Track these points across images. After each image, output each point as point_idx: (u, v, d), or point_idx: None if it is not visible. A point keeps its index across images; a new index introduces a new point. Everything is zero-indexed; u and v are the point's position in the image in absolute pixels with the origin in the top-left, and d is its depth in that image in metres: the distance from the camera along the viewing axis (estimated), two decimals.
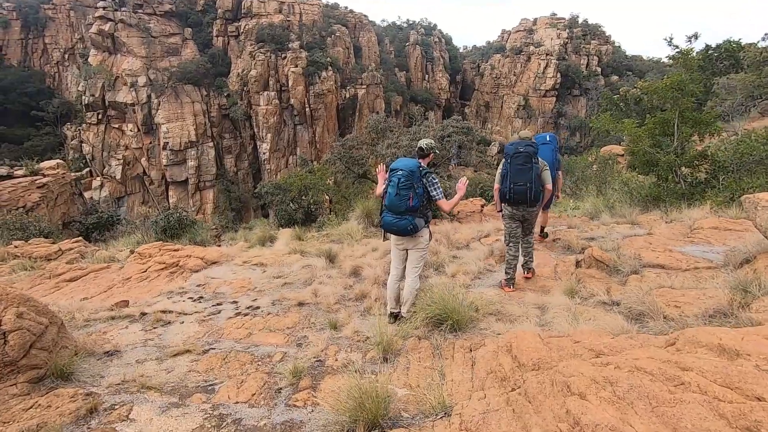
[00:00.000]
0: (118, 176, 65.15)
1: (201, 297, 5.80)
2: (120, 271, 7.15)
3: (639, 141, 8.82)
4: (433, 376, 3.45)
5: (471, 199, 12.18)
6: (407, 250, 4.76)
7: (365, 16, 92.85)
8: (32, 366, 3.50)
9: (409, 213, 4.44)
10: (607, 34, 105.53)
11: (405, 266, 4.82)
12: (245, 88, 70.52)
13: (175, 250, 7.55)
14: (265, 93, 70.02)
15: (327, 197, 21.29)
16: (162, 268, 6.98)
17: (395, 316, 4.72)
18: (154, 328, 4.75)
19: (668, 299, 3.66)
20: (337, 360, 3.84)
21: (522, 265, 5.80)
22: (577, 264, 6.05)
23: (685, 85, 8.59)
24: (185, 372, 3.75)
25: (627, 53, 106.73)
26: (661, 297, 3.72)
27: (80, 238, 10.75)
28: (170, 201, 66.67)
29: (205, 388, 3.47)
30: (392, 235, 4.77)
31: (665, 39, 9.22)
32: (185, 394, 3.38)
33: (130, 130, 65.03)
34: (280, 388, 3.43)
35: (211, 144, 69.58)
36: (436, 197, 4.59)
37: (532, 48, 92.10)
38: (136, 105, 64.20)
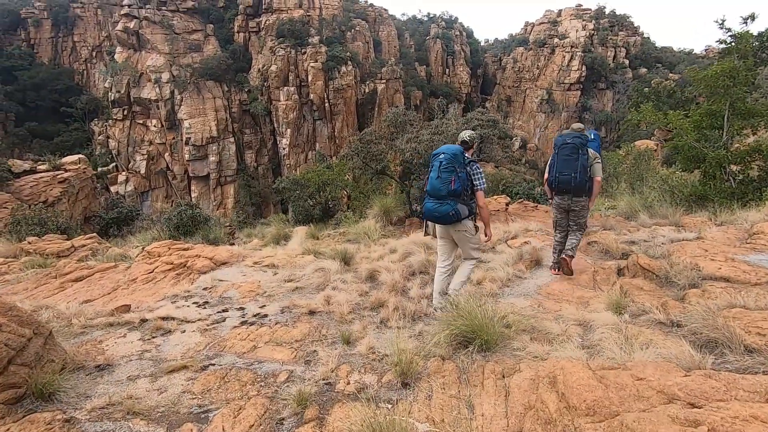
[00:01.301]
0: (143, 171, 66.49)
1: (206, 302, 5.41)
2: (126, 271, 6.85)
3: (685, 134, 8.03)
4: (459, 408, 2.94)
5: (495, 197, 11.52)
6: (455, 241, 4.66)
7: (385, 9, 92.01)
8: (10, 385, 3.14)
9: (451, 197, 4.36)
10: (635, 25, 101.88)
11: (452, 261, 4.72)
12: (265, 84, 70.80)
13: (184, 249, 7.21)
14: (285, 88, 70.16)
15: (345, 193, 20.91)
16: (169, 269, 6.64)
17: (440, 310, 4.53)
18: (153, 337, 4.37)
19: (746, 323, 3.03)
20: (349, 383, 3.36)
21: (562, 250, 5.72)
22: (619, 272, 5.42)
23: (739, 73, 7.74)
24: (179, 393, 3.33)
25: (656, 44, 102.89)
26: (736, 320, 3.09)
27: (94, 234, 10.60)
28: (192, 195, 67.80)
29: (198, 415, 3.04)
30: (437, 226, 4.65)
31: (716, 21, 8.33)
32: (175, 422, 2.95)
33: (154, 126, 66.22)
34: (283, 418, 2.97)
35: (231, 139, 70.26)
36: (479, 186, 4.54)
37: (556, 40, 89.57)
38: (160, 101, 65.25)
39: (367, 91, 75.68)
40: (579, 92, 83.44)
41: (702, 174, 8.36)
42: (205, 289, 5.79)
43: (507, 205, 10.88)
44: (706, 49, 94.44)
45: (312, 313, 4.84)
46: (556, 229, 5.86)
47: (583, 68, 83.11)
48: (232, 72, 72.57)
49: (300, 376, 3.55)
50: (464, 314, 3.85)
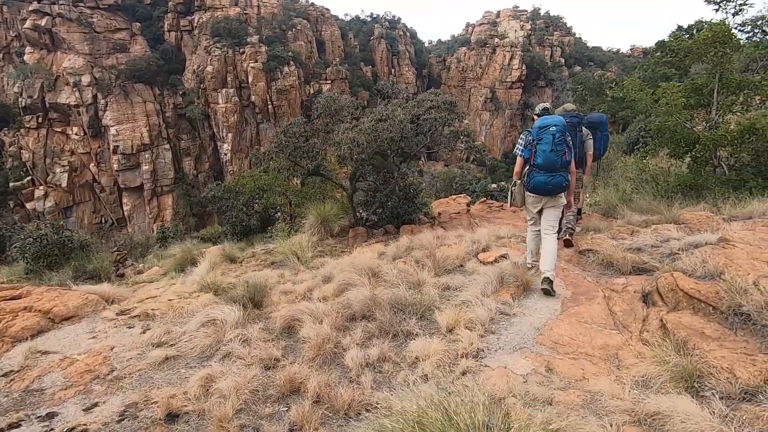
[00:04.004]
0: (64, 184, 59.86)
1: None
2: None
3: (676, 112, 6.71)
4: None
5: (454, 197, 9.85)
6: (544, 209, 4.75)
7: (327, 9, 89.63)
8: None
9: (563, 168, 4.53)
10: (568, 26, 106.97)
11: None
12: (202, 86, 66.35)
13: (11, 298, 4.79)
14: (224, 90, 66.14)
15: (287, 199, 18.58)
16: None
17: (536, 269, 4.70)
18: None
19: None
20: None
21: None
22: (645, 299, 3.79)
23: (730, 38, 6.53)
24: None
25: (588, 44, 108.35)
26: None
27: None
28: (125, 209, 62.27)
29: None
30: (533, 197, 4.74)
31: None
32: None
33: (76, 134, 59.92)
34: None
35: (167, 146, 65.23)
36: (570, 158, 4.63)
37: (496, 40, 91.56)
38: (81, 106, 59.10)
39: (312, 92, 73.05)
40: (521, 90, 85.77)
41: (692, 160, 7.11)
42: (5, 374, 3.52)
43: (468, 205, 9.24)
44: (631, 49, 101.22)
45: (172, 417, 2.77)
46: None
47: (524, 67, 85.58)
48: (164, 74, 67.40)
49: None
50: (429, 421, 1.97)
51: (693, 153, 6.98)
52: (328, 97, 8.75)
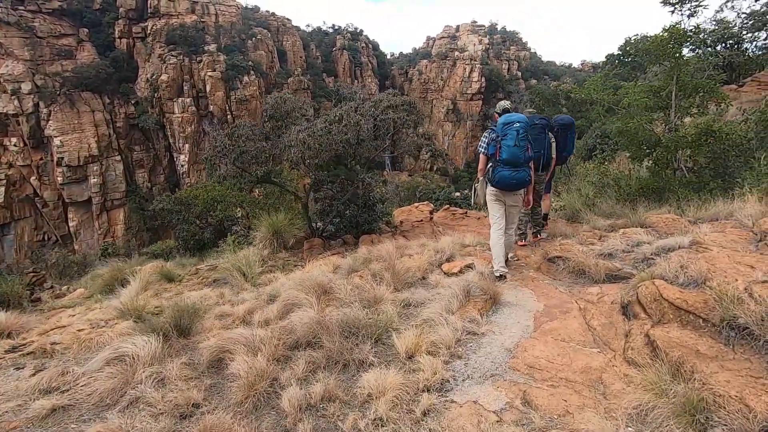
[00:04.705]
0: (1, 199, 55.44)
1: None
2: None
3: (637, 114, 6.58)
4: None
5: (416, 205, 9.40)
6: (507, 208, 4.83)
7: (288, 19, 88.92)
8: None
9: (526, 164, 4.66)
10: (524, 41, 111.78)
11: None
12: (156, 95, 63.77)
13: None
14: (180, 99, 63.82)
15: (245, 210, 17.61)
16: None
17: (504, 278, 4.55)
18: None
19: None
20: None
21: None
22: (625, 310, 3.41)
23: (685, 39, 6.49)
24: None
25: (543, 59, 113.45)
26: None
27: None
28: (71, 225, 58.33)
29: None
30: (498, 192, 4.76)
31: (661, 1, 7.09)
32: None
33: (14, 145, 55.79)
34: None
35: (118, 157, 62.01)
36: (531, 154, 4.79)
37: (456, 53, 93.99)
38: (20, 115, 55.22)
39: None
40: (481, 102, 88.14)
41: (654, 163, 7.01)
42: None
43: (431, 213, 8.80)
44: (581, 63, 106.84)
45: None
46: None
47: (483, 79, 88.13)
48: (114, 82, 64.28)
49: None
50: None
51: (655, 155, 6.87)
52: (279, 97, 8.09)
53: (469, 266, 4.87)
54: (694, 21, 8.93)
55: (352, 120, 6.56)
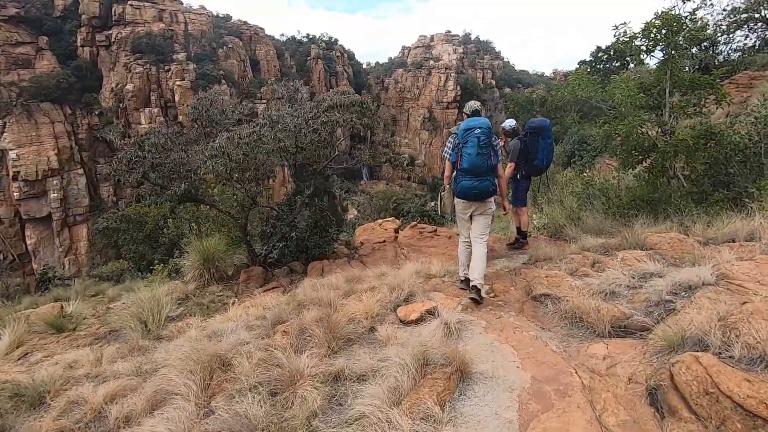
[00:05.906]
0: None
1: None
2: None
3: (630, 114, 5.60)
4: None
5: (380, 222, 8.21)
6: (474, 216, 4.53)
7: (261, 28, 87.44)
8: None
9: (489, 173, 4.37)
10: (497, 50, 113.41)
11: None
12: (121, 105, 61.23)
13: None
14: (147, 109, 61.47)
15: (197, 228, 16.08)
16: None
17: (469, 283, 4.26)
18: None
19: None
20: None
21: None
22: (653, 398, 2.27)
23: (682, 27, 5.58)
24: None
25: (516, 67, 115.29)
26: None
27: None
28: (28, 242, 54.91)
29: None
30: (462, 203, 4.52)
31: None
32: None
33: None
34: None
35: (80, 171, 59.09)
36: (495, 161, 4.41)
37: (431, 62, 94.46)
38: None
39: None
40: (456, 110, 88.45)
41: (648, 171, 6.05)
42: None
43: (396, 232, 7.63)
44: (553, 72, 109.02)
45: None
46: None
47: (458, 88, 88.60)
48: (76, 92, 61.40)
49: None
50: None
51: (650, 162, 5.90)
52: (203, 98, 6.80)
53: (431, 312, 3.70)
54: (689, 6, 8.19)
55: (290, 124, 5.37)
